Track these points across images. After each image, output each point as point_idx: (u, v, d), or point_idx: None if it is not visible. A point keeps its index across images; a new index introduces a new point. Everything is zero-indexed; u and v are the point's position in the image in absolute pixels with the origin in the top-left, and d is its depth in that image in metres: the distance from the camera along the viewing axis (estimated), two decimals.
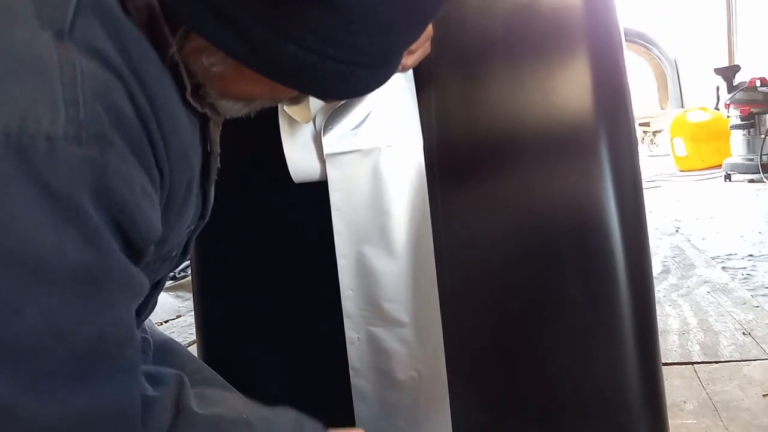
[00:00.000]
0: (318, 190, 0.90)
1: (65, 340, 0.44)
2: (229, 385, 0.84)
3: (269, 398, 0.86)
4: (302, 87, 0.55)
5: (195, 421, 0.59)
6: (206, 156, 0.66)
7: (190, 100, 0.57)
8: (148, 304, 0.71)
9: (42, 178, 0.41)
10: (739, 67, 6.42)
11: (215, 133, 0.68)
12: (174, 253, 0.65)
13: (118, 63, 0.47)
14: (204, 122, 0.64)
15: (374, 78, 0.55)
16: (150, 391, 0.57)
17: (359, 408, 0.96)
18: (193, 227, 0.66)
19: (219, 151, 0.69)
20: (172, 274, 3.34)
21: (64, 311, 0.43)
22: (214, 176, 0.69)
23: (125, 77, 0.48)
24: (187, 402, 0.60)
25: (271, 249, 1.01)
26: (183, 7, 0.49)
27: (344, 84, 0.53)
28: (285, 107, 0.87)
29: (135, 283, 0.50)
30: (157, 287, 0.70)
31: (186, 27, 0.52)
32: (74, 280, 0.43)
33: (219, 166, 0.70)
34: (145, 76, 0.50)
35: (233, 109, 0.61)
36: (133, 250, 0.50)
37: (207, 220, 0.71)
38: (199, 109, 0.59)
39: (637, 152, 0.92)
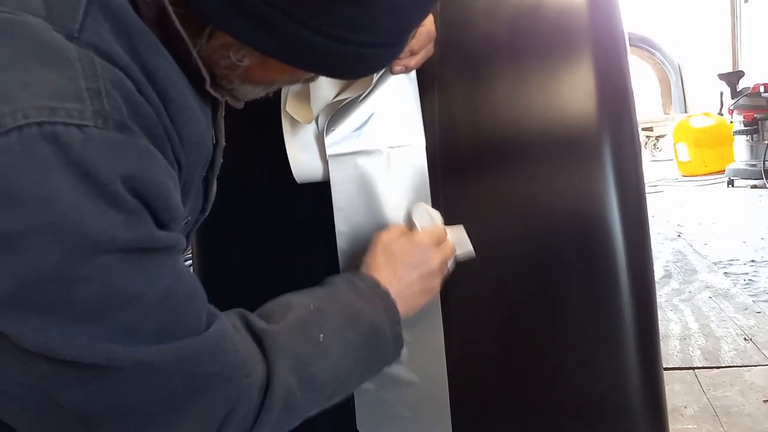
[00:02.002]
0: (321, 191, 0.90)
1: (136, 303, 0.48)
2: None
3: None
4: (325, 71, 0.58)
5: (278, 336, 0.63)
6: (212, 147, 0.67)
7: (211, 90, 0.58)
8: None
9: (81, 166, 0.43)
10: (743, 73, 6.43)
11: (221, 124, 0.69)
12: None
13: (126, 62, 0.49)
14: (212, 113, 0.65)
15: (391, 54, 0.57)
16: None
17: (360, 407, 0.96)
18: (192, 219, 0.67)
19: (224, 143, 0.70)
20: None
21: (125, 279, 0.47)
22: (217, 169, 0.70)
23: (133, 75, 0.49)
24: (261, 325, 0.64)
25: (274, 249, 1.01)
26: (209, 7, 0.51)
27: (364, 64, 0.55)
28: (287, 108, 0.87)
29: (180, 244, 0.53)
30: None
31: (213, 26, 0.53)
32: (127, 253, 0.46)
33: (222, 160, 0.71)
34: (155, 72, 0.51)
35: (253, 92, 0.63)
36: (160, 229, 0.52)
37: (207, 213, 0.71)
38: (220, 97, 0.61)
39: (641, 156, 0.92)
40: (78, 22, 0.47)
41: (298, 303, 0.70)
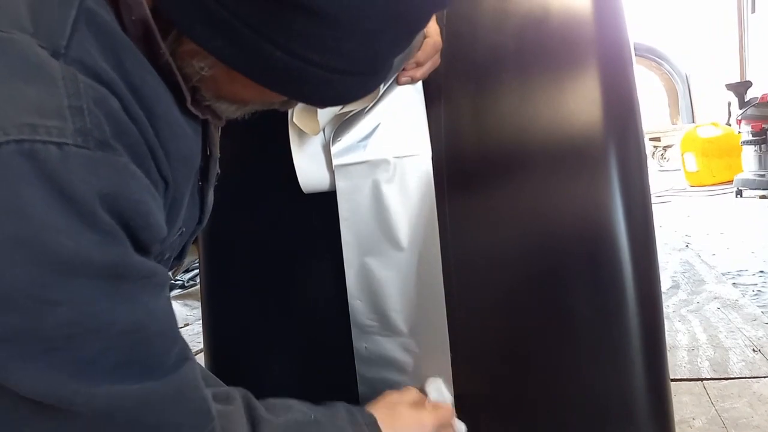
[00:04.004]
0: (327, 201, 0.91)
1: (104, 333, 0.46)
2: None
3: None
4: (289, 92, 0.55)
5: (274, 429, 0.65)
6: (206, 158, 0.67)
7: (192, 108, 0.58)
8: None
9: (56, 183, 0.43)
10: (751, 83, 6.40)
11: (215, 136, 0.69)
12: (167, 256, 0.66)
13: (111, 78, 0.49)
14: (204, 125, 0.65)
15: (362, 85, 0.55)
16: (222, 406, 0.62)
17: None
18: (187, 231, 0.67)
19: (219, 154, 0.70)
20: (180, 282, 3.35)
21: (96, 307, 0.45)
22: (213, 180, 0.70)
23: (119, 92, 0.49)
24: (262, 412, 0.65)
25: (279, 259, 1.02)
26: (174, 11, 0.51)
27: (331, 91, 0.53)
28: (294, 119, 0.88)
29: (159, 277, 0.52)
30: None
31: (177, 30, 0.52)
32: (100, 277, 0.46)
33: (219, 171, 0.71)
34: (141, 88, 0.51)
35: (228, 110, 0.62)
36: (140, 250, 0.51)
37: (204, 224, 0.72)
38: (200, 115, 0.61)
39: (647, 167, 0.92)
40: (65, 38, 0.47)
41: (299, 409, 0.72)
